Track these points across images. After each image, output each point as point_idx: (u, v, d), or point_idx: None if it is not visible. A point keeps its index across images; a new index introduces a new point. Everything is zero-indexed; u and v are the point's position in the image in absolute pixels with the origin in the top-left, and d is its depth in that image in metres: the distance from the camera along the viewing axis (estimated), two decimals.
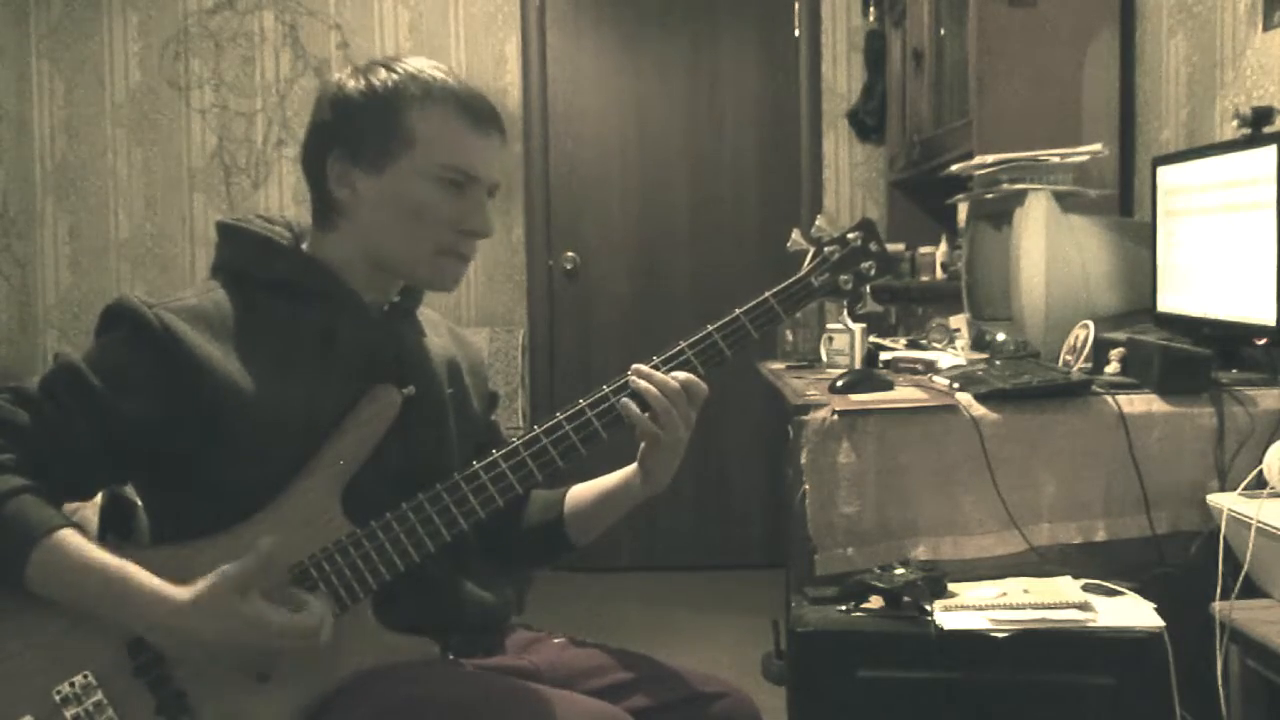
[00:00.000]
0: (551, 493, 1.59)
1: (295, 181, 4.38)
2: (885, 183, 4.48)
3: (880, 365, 2.69)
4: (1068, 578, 2.01)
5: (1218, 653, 1.82)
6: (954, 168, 2.98)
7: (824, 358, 2.82)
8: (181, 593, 1.24)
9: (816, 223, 1.59)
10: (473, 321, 4.54)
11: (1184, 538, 2.07)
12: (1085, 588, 1.97)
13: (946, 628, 1.86)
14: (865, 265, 1.55)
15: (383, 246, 1.41)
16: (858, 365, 2.70)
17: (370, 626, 1.35)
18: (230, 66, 4.59)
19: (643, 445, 1.47)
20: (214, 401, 1.30)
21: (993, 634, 1.85)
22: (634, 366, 1.43)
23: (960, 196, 3.11)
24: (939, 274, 3.72)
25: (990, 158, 2.72)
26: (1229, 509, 1.88)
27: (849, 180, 4.56)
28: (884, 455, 2.11)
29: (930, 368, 2.52)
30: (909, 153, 3.94)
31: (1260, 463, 1.95)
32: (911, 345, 3.03)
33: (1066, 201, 2.62)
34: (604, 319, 4.64)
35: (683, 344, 1.45)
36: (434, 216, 1.39)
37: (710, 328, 1.46)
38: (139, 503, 1.45)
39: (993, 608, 1.90)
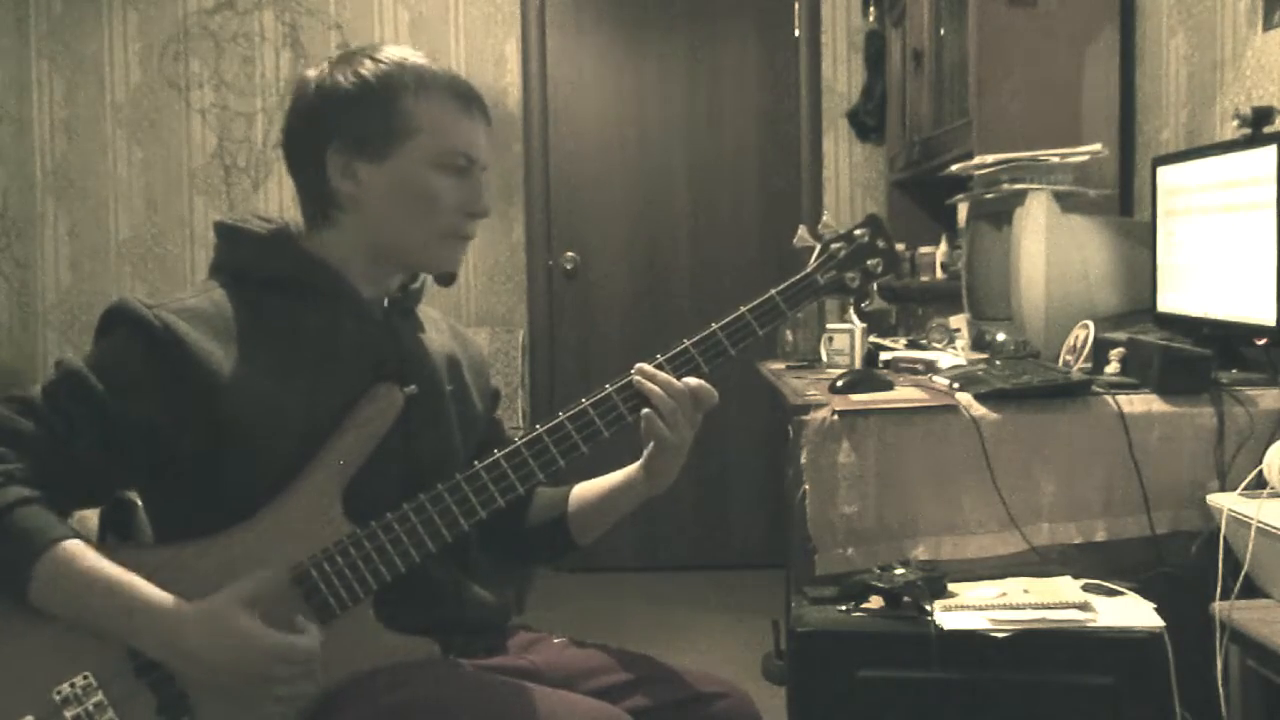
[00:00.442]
0: (555, 490, 1.59)
1: None
2: (885, 183, 4.48)
3: (880, 365, 2.69)
4: (1068, 578, 2.01)
5: (1218, 653, 1.82)
6: (954, 168, 2.98)
7: (824, 358, 2.82)
8: (185, 609, 1.24)
9: (823, 219, 1.59)
10: (473, 321, 4.54)
11: (1184, 538, 2.07)
12: (1085, 588, 1.97)
13: (946, 628, 1.86)
14: (872, 262, 1.54)
15: (391, 234, 1.41)
16: (858, 365, 2.70)
17: (371, 626, 1.35)
18: (230, 66, 4.59)
19: (650, 446, 1.47)
20: (216, 402, 1.30)
21: (993, 634, 1.85)
22: (637, 366, 1.43)
23: (960, 196, 3.11)
24: (939, 274, 3.71)
25: (990, 158, 2.72)
26: (1229, 509, 1.88)
27: (849, 180, 4.56)
28: (884, 455, 2.11)
29: (930, 368, 2.52)
30: (909, 153, 3.94)
31: (1260, 463, 1.95)
32: (911, 345, 3.03)
33: (1066, 201, 2.62)
34: (604, 319, 4.64)
35: (687, 341, 1.45)
36: (440, 201, 1.40)
37: (715, 325, 1.46)
38: (139, 503, 1.44)
39: (993, 608, 1.90)
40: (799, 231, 1.61)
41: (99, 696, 1.25)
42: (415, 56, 1.43)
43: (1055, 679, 1.84)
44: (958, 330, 3.00)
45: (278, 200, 4.50)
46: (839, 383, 2.29)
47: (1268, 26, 2.46)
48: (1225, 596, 1.82)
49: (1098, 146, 2.72)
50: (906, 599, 1.91)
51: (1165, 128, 2.95)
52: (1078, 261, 2.56)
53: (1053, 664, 1.84)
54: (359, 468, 1.35)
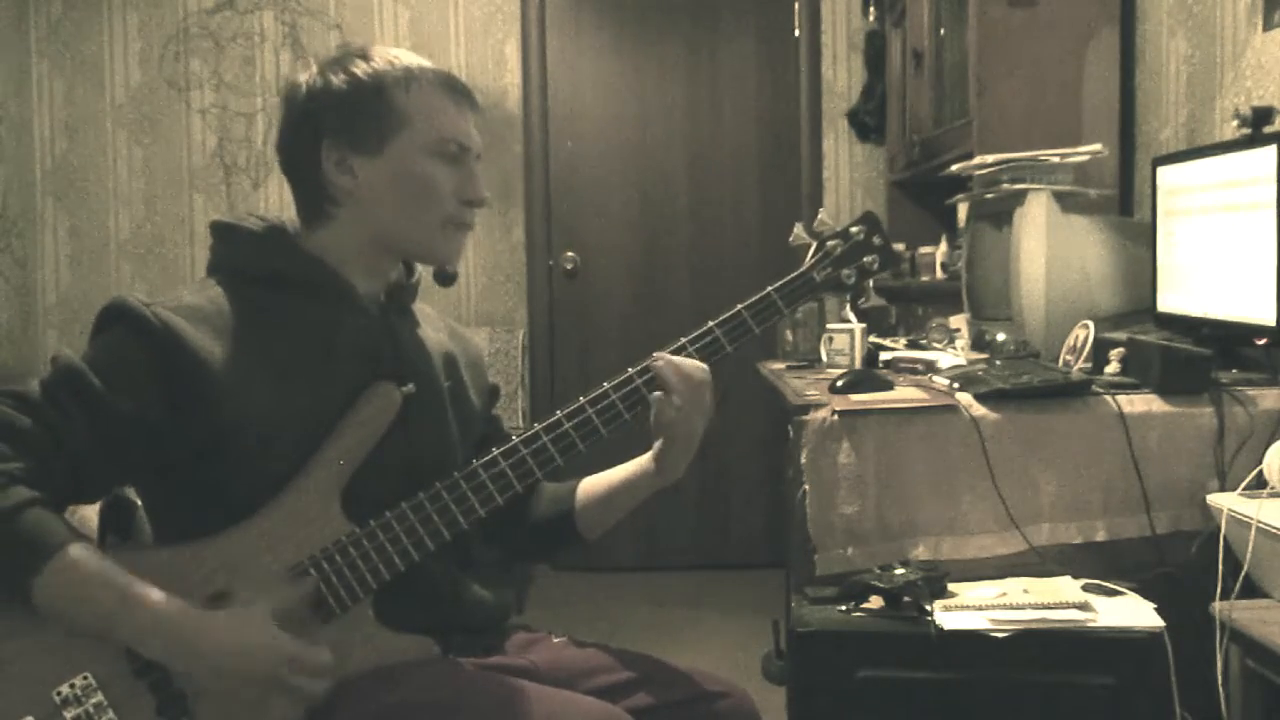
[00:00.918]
0: (561, 485, 1.59)
1: None
2: (885, 183, 4.48)
3: (880, 365, 2.69)
4: (1068, 578, 2.01)
5: (1218, 653, 1.82)
6: (954, 168, 2.98)
7: (824, 358, 2.82)
8: (202, 615, 1.24)
9: (819, 217, 1.59)
10: (473, 321, 4.54)
11: (1184, 538, 2.07)
12: (1085, 588, 1.97)
13: (946, 628, 1.86)
14: (868, 259, 1.54)
15: (392, 226, 1.42)
16: (858, 365, 2.70)
17: (370, 626, 1.35)
18: (230, 66, 4.59)
19: (660, 440, 1.47)
20: (214, 400, 1.30)
21: (993, 634, 1.85)
22: (657, 355, 1.43)
23: (960, 196, 3.11)
24: (939, 274, 3.72)
25: (990, 158, 2.72)
26: (1229, 509, 1.87)
27: (849, 180, 4.56)
28: (884, 455, 2.11)
29: (930, 368, 2.52)
30: (909, 153, 3.94)
31: (1260, 463, 1.95)
32: (911, 345, 3.03)
33: (1066, 201, 2.62)
34: (604, 319, 4.64)
35: (684, 339, 1.46)
36: (438, 189, 1.42)
37: (711, 322, 1.46)
38: (139, 503, 1.44)
39: (993, 608, 1.90)
40: (795, 229, 1.60)
41: (99, 697, 1.25)
42: (406, 54, 1.45)
43: (1055, 679, 1.84)
44: (958, 330, 3.00)
45: (278, 200, 4.50)
46: (839, 383, 2.29)
47: (1268, 26, 2.46)
48: (1225, 596, 1.82)
49: (1098, 146, 2.72)
50: (906, 599, 1.91)
51: (1165, 128, 2.95)
52: (1078, 261, 2.56)
53: (1053, 664, 1.84)
54: (358, 467, 1.35)
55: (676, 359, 1.43)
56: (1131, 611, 1.90)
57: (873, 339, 2.95)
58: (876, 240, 1.55)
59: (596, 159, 4.63)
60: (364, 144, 1.40)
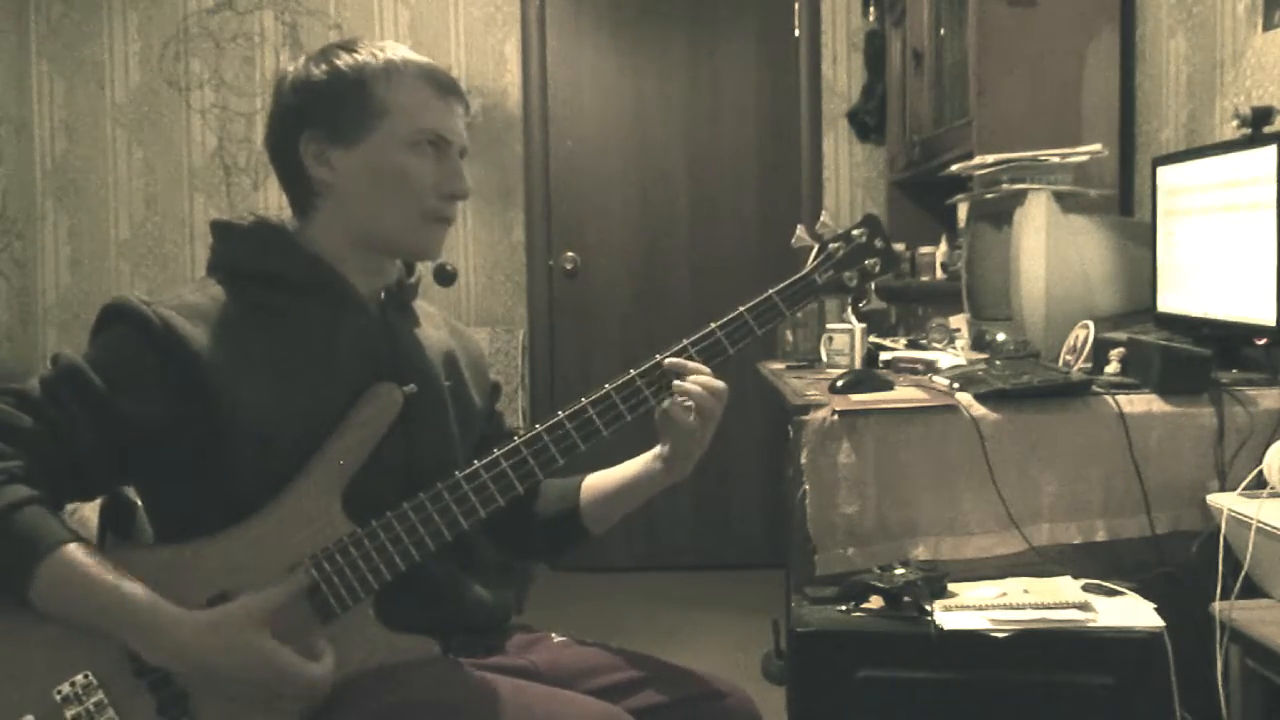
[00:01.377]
0: (566, 481, 1.59)
1: None
2: (885, 183, 4.48)
3: (880, 365, 2.69)
4: (1068, 578, 2.01)
5: (1218, 653, 1.82)
6: (954, 168, 2.98)
7: (824, 358, 2.82)
8: (194, 616, 1.24)
9: (821, 219, 1.59)
10: (473, 321, 4.54)
11: (1184, 538, 2.07)
12: (1085, 588, 1.97)
13: (946, 628, 1.86)
14: (870, 262, 1.54)
15: (368, 219, 1.42)
16: (858, 365, 2.70)
17: (371, 626, 1.35)
18: (230, 66, 4.59)
19: (669, 440, 1.47)
20: (215, 399, 1.30)
21: (993, 634, 1.85)
22: (668, 361, 1.43)
23: (960, 196, 3.11)
24: (939, 274, 3.72)
25: (990, 158, 2.73)
26: (1229, 509, 1.87)
27: (849, 180, 4.56)
28: (884, 455, 2.11)
29: (930, 368, 2.52)
30: (909, 153, 3.94)
31: (1260, 463, 1.95)
32: (911, 345, 3.03)
33: (1066, 201, 2.62)
34: (604, 319, 4.64)
35: (686, 341, 1.46)
36: (415, 182, 1.41)
37: (714, 324, 1.46)
38: (139, 503, 1.45)
39: (993, 608, 1.90)
40: (797, 231, 1.60)
41: (99, 696, 1.25)
42: (391, 47, 1.44)
43: (1055, 679, 1.84)
44: (958, 330, 3.00)
45: (278, 200, 4.46)
46: (839, 383, 2.29)
47: (1268, 26, 2.46)
48: (1225, 596, 1.82)
49: (1098, 146, 2.72)
50: (906, 599, 1.91)
51: (1165, 128, 2.95)
52: (1078, 261, 2.56)
53: (1053, 664, 1.84)
54: (359, 467, 1.35)
55: (705, 379, 1.43)
56: (1131, 611, 1.90)
57: (873, 339, 2.95)
58: (878, 243, 1.55)
59: (596, 159, 4.63)
60: (342, 136, 1.40)
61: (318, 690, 1.27)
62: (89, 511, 1.44)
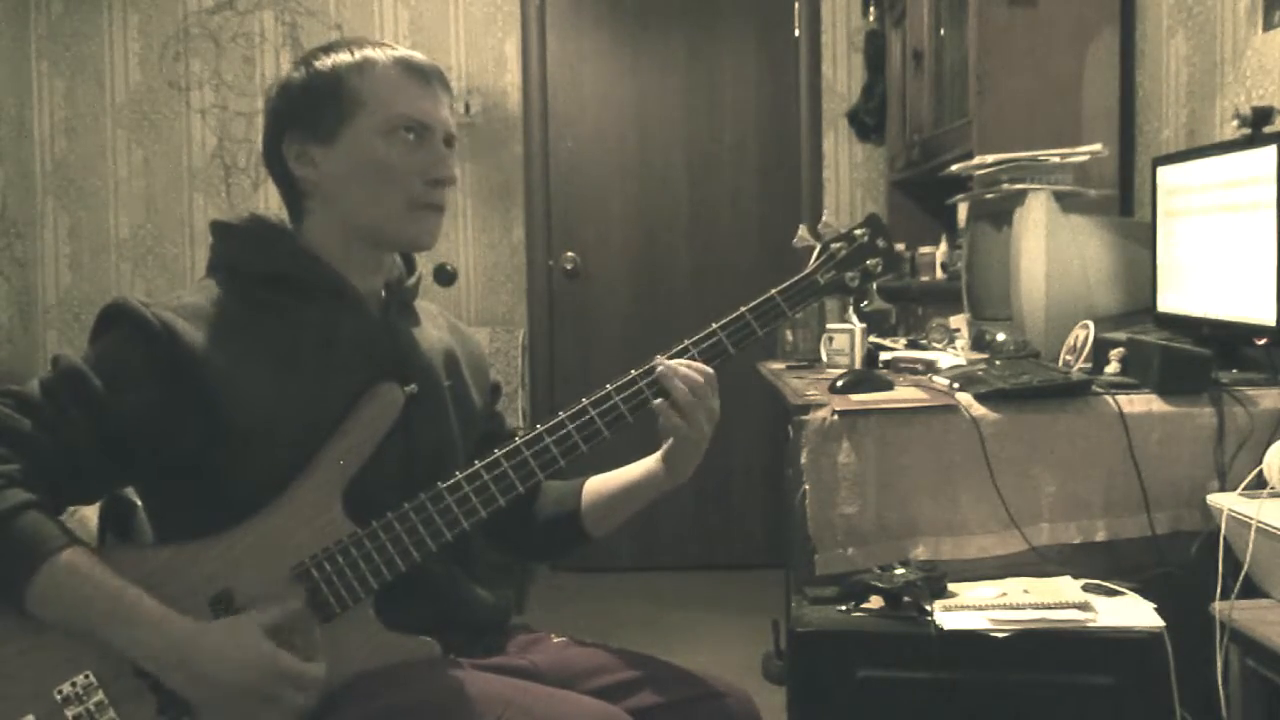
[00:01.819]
0: (567, 484, 1.59)
1: None
2: (885, 183, 4.48)
3: (880, 365, 2.69)
4: (1068, 578, 2.01)
5: (1218, 653, 1.82)
6: (954, 168, 2.98)
7: (824, 358, 2.82)
8: (197, 628, 1.24)
9: (823, 219, 1.59)
10: (473, 321, 4.54)
11: (1184, 538, 2.07)
12: (1085, 588, 1.97)
13: (946, 628, 1.86)
14: (872, 262, 1.54)
15: (356, 213, 1.42)
16: (858, 365, 2.70)
17: (371, 626, 1.35)
18: (230, 66, 4.59)
19: (669, 442, 1.47)
20: (215, 401, 1.30)
21: (993, 634, 1.85)
22: (660, 359, 1.43)
23: (960, 196, 3.11)
24: (939, 274, 3.72)
25: (990, 158, 2.73)
26: (1229, 509, 1.88)
27: (849, 180, 4.56)
28: (884, 455, 2.11)
29: (930, 368, 2.52)
30: (909, 153, 3.94)
31: (1260, 463, 1.95)
32: (911, 345, 3.03)
33: (1066, 201, 2.62)
34: (604, 319, 4.64)
35: (687, 341, 1.46)
36: (398, 170, 1.40)
37: (715, 325, 1.46)
38: (139, 503, 1.45)
39: (993, 608, 1.90)
40: (799, 231, 1.60)
41: (100, 696, 1.25)
42: (371, 43, 1.43)
43: (1055, 679, 1.84)
44: (958, 330, 3.00)
45: (278, 200, 4.47)
46: (839, 383, 2.29)
47: (1268, 26, 2.46)
48: (1225, 596, 1.82)
49: (1098, 146, 2.72)
50: (906, 599, 1.91)
51: (1165, 128, 2.95)
52: (1078, 261, 2.56)
53: (1053, 664, 1.84)
54: (359, 467, 1.35)
55: (677, 364, 1.42)
56: (1131, 611, 1.90)
57: (873, 339, 2.95)
58: (880, 243, 1.55)
59: (596, 159, 4.63)
60: (321, 133, 1.40)
61: (315, 690, 1.27)
62: (89, 512, 1.44)
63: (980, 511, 2.10)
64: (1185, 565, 2.03)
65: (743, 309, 1.47)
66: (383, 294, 1.47)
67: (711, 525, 4.63)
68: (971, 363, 2.46)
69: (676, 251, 4.65)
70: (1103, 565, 2.07)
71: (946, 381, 2.28)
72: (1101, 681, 1.83)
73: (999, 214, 2.77)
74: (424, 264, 1.57)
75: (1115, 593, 1.97)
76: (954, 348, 2.86)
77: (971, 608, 1.91)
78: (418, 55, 1.45)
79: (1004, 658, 1.84)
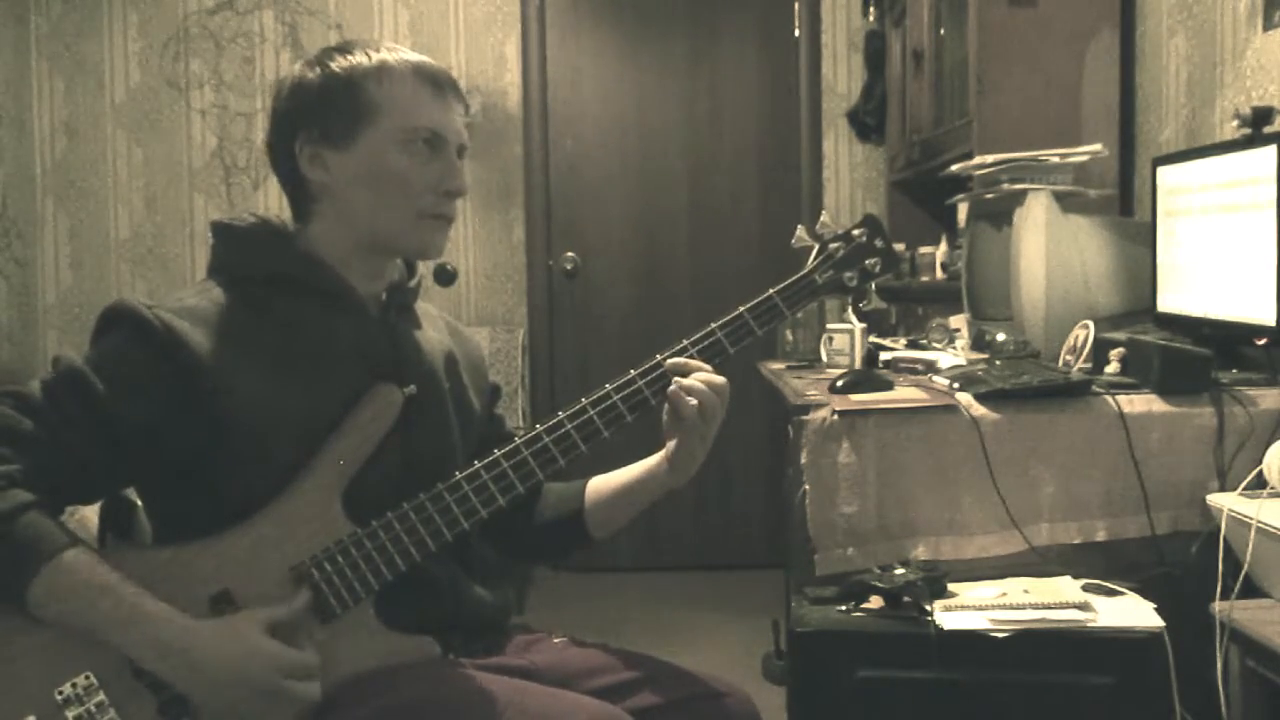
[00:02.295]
0: (569, 485, 1.59)
1: None
2: (885, 183, 4.48)
3: (880, 365, 2.69)
4: (1068, 578, 2.01)
5: (1218, 653, 1.82)
6: (954, 168, 2.98)
7: (824, 358, 2.82)
8: (197, 627, 1.24)
9: (821, 219, 1.59)
10: (473, 321, 4.54)
11: (1184, 538, 2.07)
12: (1085, 588, 1.97)
13: (946, 628, 1.86)
14: (870, 262, 1.54)
15: (366, 220, 1.41)
16: (858, 365, 2.70)
17: (371, 626, 1.35)
18: (230, 66, 4.59)
19: (674, 441, 1.47)
20: (215, 402, 1.30)
21: (993, 634, 1.85)
22: (670, 361, 1.43)
23: (960, 196, 3.11)
24: (939, 274, 3.72)
25: (990, 158, 2.73)
26: (1229, 509, 1.87)
27: (849, 180, 4.56)
28: (884, 455, 2.11)
29: (930, 368, 2.52)
30: (909, 153, 3.94)
31: (1260, 463, 1.95)
32: (911, 345, 3.03)
33: (1066, 201, 2.62)
34: (604, 319, 4.64)
35: (686, 341, 1.46)
36: (411, 181, 1.40)
37: (714, 324, 1.46)
38: (139, 503, 1.45)
39: (993, 608, 1.90)
40: (797, 231, 1.60)
41: (100, 696, 1.25)
42: (387, 48, 1.43)
43: (1055, 679, 1.84)
44: (958, 330, 3.00)
45: (278, 200, 4.46)
46: (839, 383, 2.29)
47: (1268, 26, 2.46)
48: (1225, 596, 1.82)
49: (1098, 146, 2.72)
50: (906, 599, 1.91)
51: (1165, 128, 2.95)
52: (1078, 261, 2.56)
53: (1053, 664, 1.84)
54: (359, 468, 1.35)
55: (691, 382, 1.42)
56: (1131, 611, 1.90)
57: (873, 339, 2.95)
58: (878, 243, 1.55)
59: (596, 159, 4.63)
60: (335, 138, 1.39)
61: (316, 679, 1.27)
62: (89, 512, 1.44)
63: (980, 511, 2.10)
64: (1185, 565, 2.03)
65: (741, 308, 1.48)
66: (383, 297, 1.47)
67: (711, 525, 4.63)
68: (971, 363, 2.46)
69: (676, 251, 4.65)
70: (1103, 565, 2.07)
71: (946, 381, 2.28)
72: (1101, 681, 1.82)
73: (999, 214, 2.77)
74: (424, 265, 1.57)
75: (1115, 593, 1.97)
76: (954, 348, 2.86)
77: (971, 608, 1.91)
78: (432, 63, 1.44)
79: (1004, 658, 1.84)
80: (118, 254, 4.64)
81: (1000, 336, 2.55)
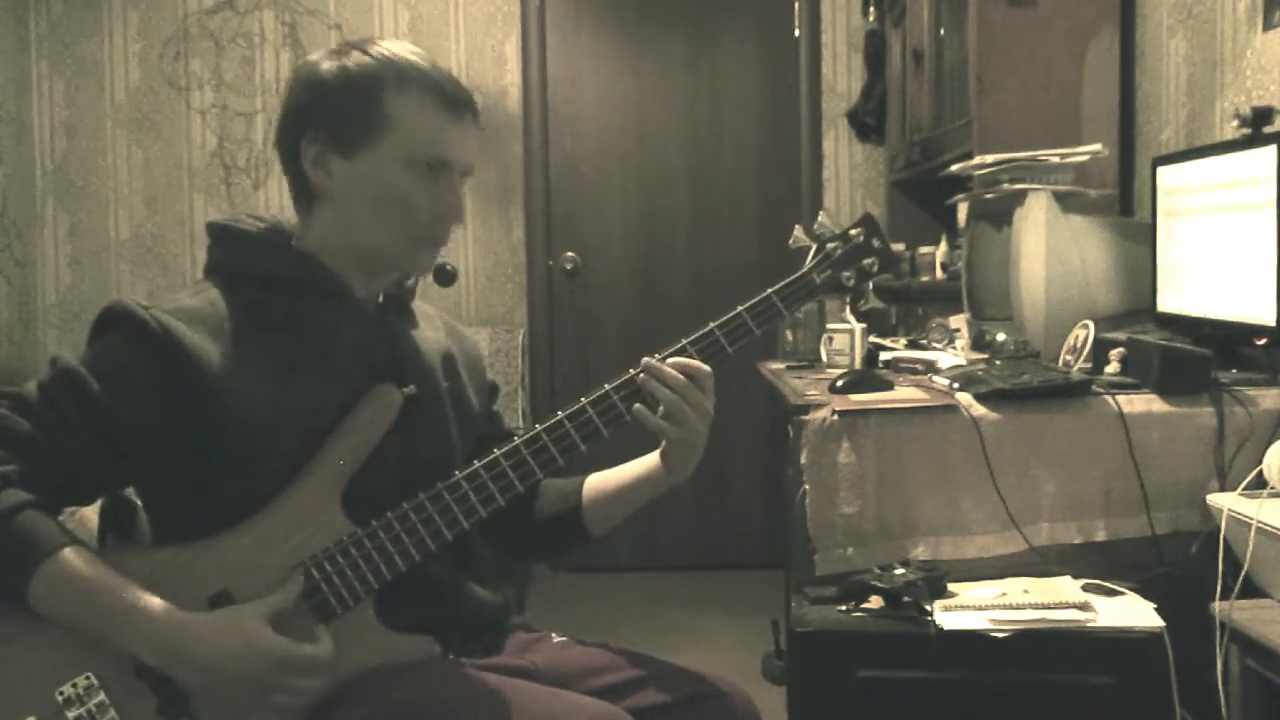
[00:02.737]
0: (567, 482, 1.59)
1: None
2: (885, 183, 4.48)
3: (880, 365, 2.69)
4: (1068, 578, 2.01)
5: (1218, 653, 1.82)
6: (954, 168, 2.98)
7: (824, 358, 2.82)
8: (195, 619, 1.24)
9: (819, 219, 1.59)
10: (473, 321, 4.54)
11: (1184, 538, 2.07)
12: (1085, 588, 1.97)
13: (946, 628, 1.86)
14: (868, 261, 1.54)
15: (358, 231, 1.40)
16: (858, 365, 2.70)
17: (371, 626, 1.35)
18: (230, 66, 4.59)
19: (664, 442, 1.47)
20: (213, 402, 1.30)
21: (993, 634, 1.85)
22: (644, 361, 1.42)
23: (960, 196, 3.11)
24: (939, 274, 3.72)
25: (990, 158, 2.73)
26: (1229, 509, 1.88)
27: (849, 180, 4.56)
28: (884, 455, 2.11)
29: (930, 368, 2.52)
30: (909, 153, 3.94)
31: (1260, 463, 1.95)
32: (911, 345, 3.03)
33: (1066, 201, 2.62)
34: (604, 319, 4.64)
35: (685, 340, 1.46)
36: (410, 203, 1.38)
37: (713, 324, 1.46)
38: (139, 503, 1.45)
39: (993, 608, 1.90)
40: (795, 232, 1.60)
41: (101, 697, 1.25)
42: (409, 53, 1.41)
43: (1055, 679, 1.84)
44: (958, 330, 3.00)
45: (278, 200, 4.50)
46: (839, 383, 2.29)
47: (1268, 26, 2.46)
48: (1225, 596, 1.82)
49: (1098, 146, 2.72)
50: (906, 599, 1.91)
51: (1165, 128, 2.95)
52: (1078, 261, 2.56)
53: (1053, 664, 1.84)
54: (358, 468, 1.35)
55: (661, 367, 1.42)
56: (1131, 611, 1.90)
57: (873, 339, 2.95)
58: (876, 243, 1.55)
59: (596, 159, 4.63)
60: (342, 143, 1.38)
61: (320, 673, 1.27)
62: (89, 512, 1.44)
63: (980, 511, 2.10)
64: (1185, 565, 2.03)
65: (740, 308, 1.48)
66: (380, 297, 1.47)
67: (711, 525, 4.63)
68: (971, 363, 2.46)
69: (676, 251, 4.65)
70: (1103, 565, 2.07)
71: (946, 381, 2.28)
72: (1101, 681, 1.82)
73: (999, 214, 2.77)
74: None
75: (1115, 593, 1.97)
76: (954, 348, 2.86)
77: (971, 608, 1.91)
78: (453, 80, 1.41)
79: (1004, 658, 1.84)
80: (117, 254, 4.64)
81: (1000, 336, 2.55)
